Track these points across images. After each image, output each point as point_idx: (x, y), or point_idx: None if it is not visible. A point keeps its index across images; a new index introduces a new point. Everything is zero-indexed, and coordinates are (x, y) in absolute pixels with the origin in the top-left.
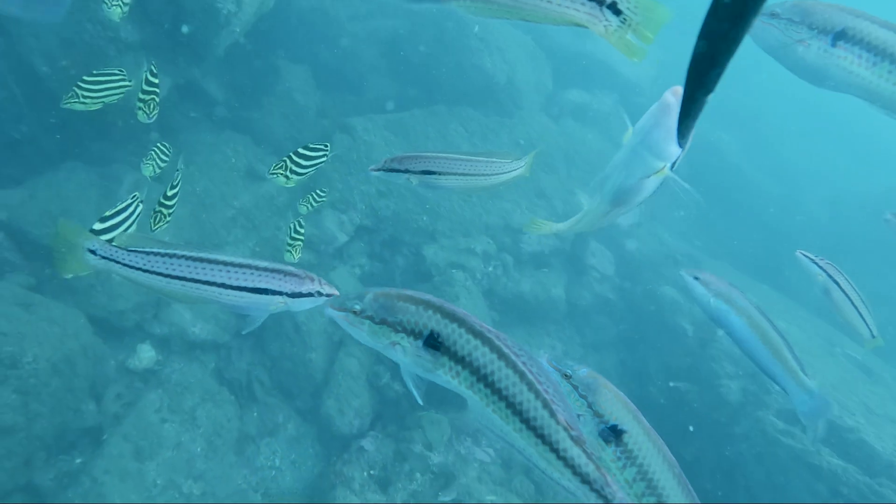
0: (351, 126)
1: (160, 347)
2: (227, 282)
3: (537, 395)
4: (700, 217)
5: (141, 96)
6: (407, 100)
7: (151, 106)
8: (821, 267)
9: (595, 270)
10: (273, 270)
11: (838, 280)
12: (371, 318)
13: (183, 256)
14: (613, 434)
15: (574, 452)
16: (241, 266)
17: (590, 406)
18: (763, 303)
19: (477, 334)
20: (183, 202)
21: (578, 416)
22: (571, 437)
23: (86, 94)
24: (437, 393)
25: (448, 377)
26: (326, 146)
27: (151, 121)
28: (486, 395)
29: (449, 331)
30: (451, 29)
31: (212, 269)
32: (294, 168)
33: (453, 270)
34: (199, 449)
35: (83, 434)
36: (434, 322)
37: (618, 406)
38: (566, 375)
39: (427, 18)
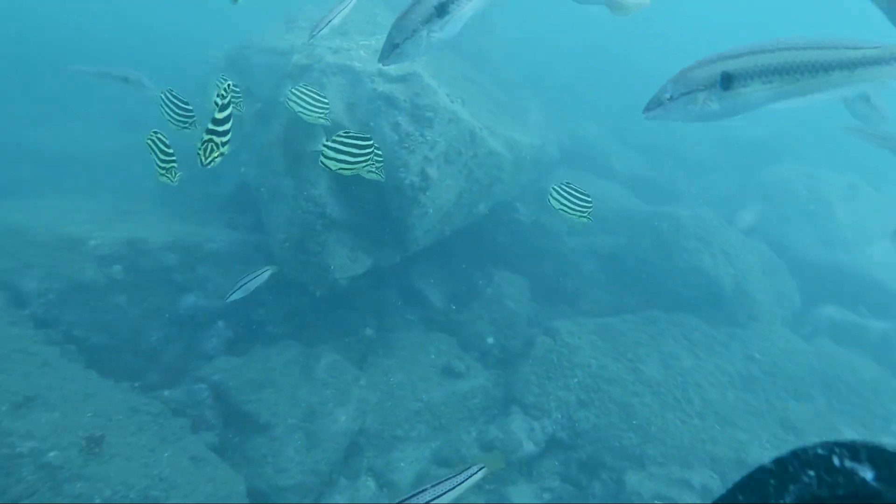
0: (555, 329)
1: None
2: None
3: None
4: None
5: None
6: (623, 309)
7: None
8: None
9: None
10: None
11: None
12: (684, 94)
13: None
14: None
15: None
16: None
17: None
18: None
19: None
20: (374, 389)
21: None
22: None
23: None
24: None
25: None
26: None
27: None
28: (786, 78)
29: (743, 62)
30: (665, 231)
31: None
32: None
33: None
34: None
35: None
36: (722, 65)
37: None
38: None
39: (645, 227)
